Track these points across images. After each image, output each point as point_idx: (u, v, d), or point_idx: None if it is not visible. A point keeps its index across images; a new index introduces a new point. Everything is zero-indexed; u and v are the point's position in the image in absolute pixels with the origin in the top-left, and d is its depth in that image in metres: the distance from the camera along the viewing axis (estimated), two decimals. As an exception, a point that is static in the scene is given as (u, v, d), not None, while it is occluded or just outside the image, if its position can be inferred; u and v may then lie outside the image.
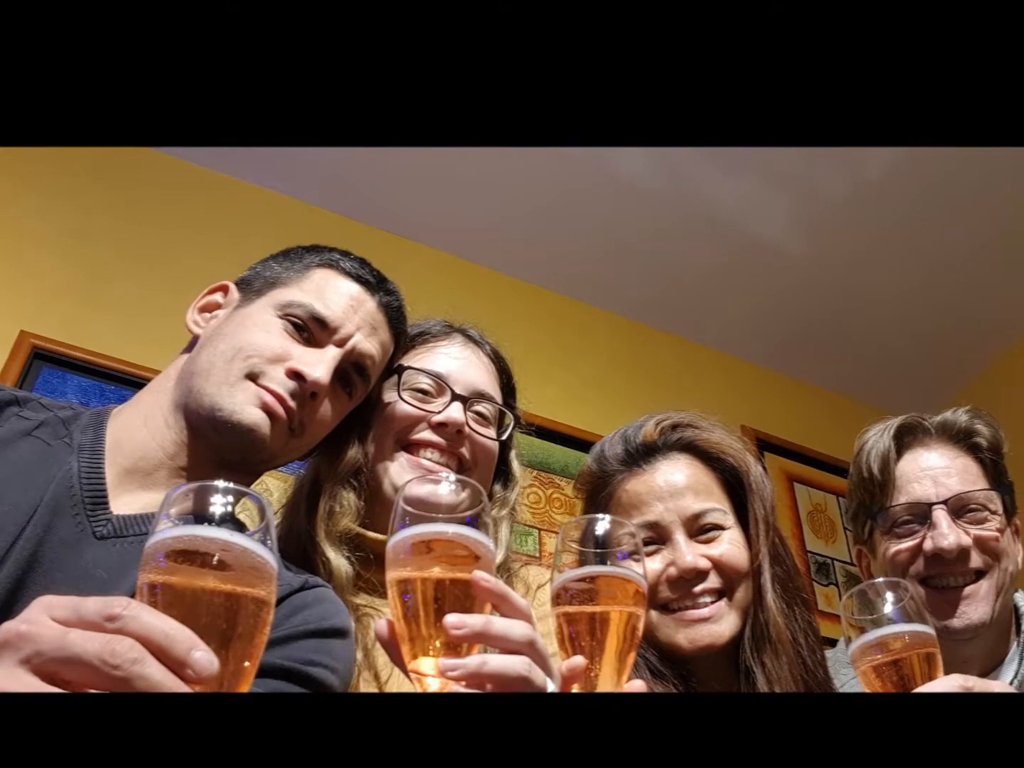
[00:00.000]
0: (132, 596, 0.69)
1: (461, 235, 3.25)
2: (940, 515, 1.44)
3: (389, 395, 1.36)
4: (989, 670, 1.46)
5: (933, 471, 1.50)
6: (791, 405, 3.68)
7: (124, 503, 1.06)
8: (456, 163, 3.04)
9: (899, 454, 1.54)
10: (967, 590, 1.43)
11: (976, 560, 1.43)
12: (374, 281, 1.29)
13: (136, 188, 2.89)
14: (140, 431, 1.13)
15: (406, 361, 1.39)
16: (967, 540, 1.43)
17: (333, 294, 1.24)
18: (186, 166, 2.99)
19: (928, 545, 1.43)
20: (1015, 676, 1.43)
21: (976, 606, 1.42)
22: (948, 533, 1.42)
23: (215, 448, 1.13)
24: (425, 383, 1.37)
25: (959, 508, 1.46)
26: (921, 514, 1.47)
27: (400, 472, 1.31)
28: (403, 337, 1.37)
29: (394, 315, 1.31)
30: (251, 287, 1.26)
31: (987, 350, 3.67)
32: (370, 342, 1.25)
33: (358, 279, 1.27)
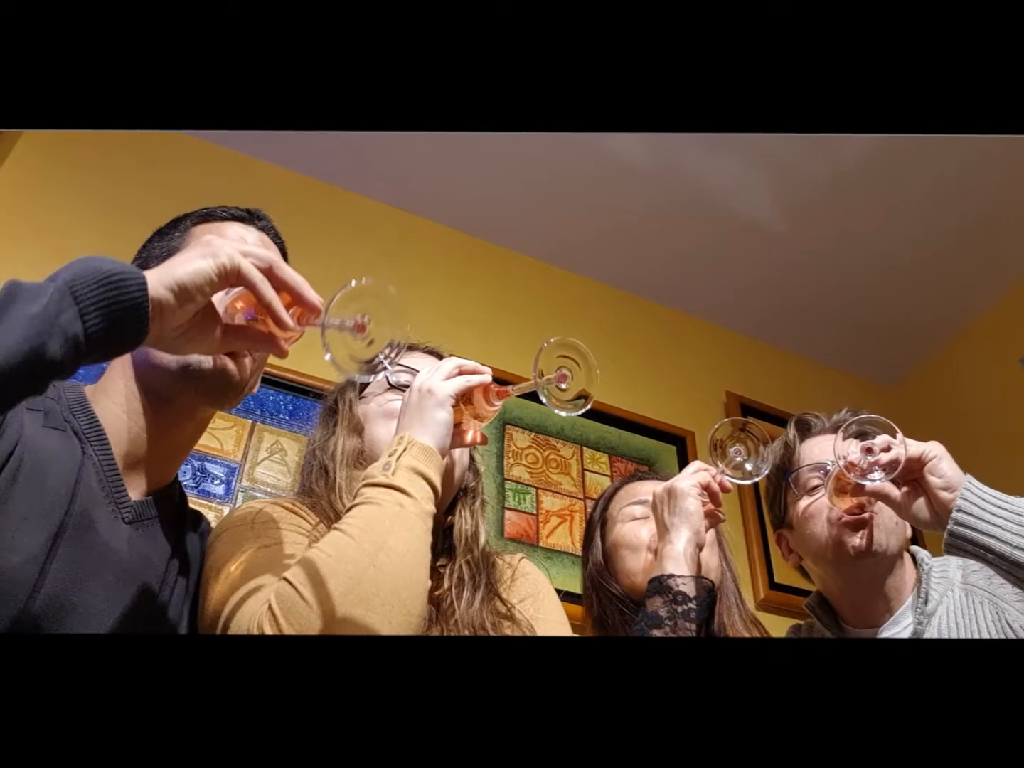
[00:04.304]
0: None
1: (466, 211, 3.18)
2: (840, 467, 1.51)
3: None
4: (891, 602, 1.53)
5: (829, 449, 1.56)
6: (774, 373, 3.64)
7: (132, 489, 1.07)
8: (462, 145, 2.99)
9: (801, 440, 1.64)
10: (876, 519, 1.49)
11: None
12: (247, 215, 1.27)
13: (165, 168, 2.85)
14: (123, 419, 1.10)
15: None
16: None
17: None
18: (209, 147, 2.94)
19: None
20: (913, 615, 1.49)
21: (879, 533, 1.49)
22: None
23: (194, 406, 1.13)
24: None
25: None
26: (824, 471, 1.55)
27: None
28: (286, 256, 1.34)
29: (275, 238, 1.30)
30: (150, 268, 1.23)
31: (955, 324, 3.63)
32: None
33: (234, 218, 1.25)
